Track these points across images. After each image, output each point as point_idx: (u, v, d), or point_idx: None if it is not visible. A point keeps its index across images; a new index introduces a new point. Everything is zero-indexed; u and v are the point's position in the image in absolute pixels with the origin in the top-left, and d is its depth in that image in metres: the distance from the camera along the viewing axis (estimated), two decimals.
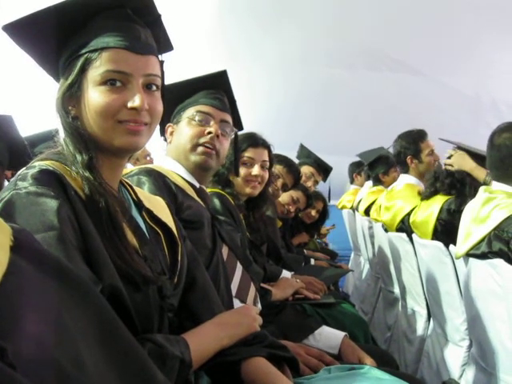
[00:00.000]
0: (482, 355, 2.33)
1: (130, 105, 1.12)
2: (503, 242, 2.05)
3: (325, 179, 4.51)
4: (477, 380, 2.38)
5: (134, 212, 1.26)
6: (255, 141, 2.40)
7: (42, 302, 0.62)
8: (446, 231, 2.87)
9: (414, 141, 3.52)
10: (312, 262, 3.76)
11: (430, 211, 2.99)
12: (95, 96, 1.11)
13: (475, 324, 2.33)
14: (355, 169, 5.88)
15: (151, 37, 1.21)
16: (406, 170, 3.60)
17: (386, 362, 1.88)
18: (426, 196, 3.10)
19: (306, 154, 4.47)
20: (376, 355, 1.84)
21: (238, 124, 2.05)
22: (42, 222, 0.95)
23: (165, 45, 1.32)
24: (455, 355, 2.65)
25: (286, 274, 2.68)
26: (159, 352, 1.03)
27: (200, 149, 1.80)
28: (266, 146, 2.45)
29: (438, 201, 2.97)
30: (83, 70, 1.12)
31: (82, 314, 0.71)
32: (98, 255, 1.00)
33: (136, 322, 1.04)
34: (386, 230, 3.67)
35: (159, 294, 1.17)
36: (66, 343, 0.62)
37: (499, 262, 2.00)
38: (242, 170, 2.34)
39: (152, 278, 1.12)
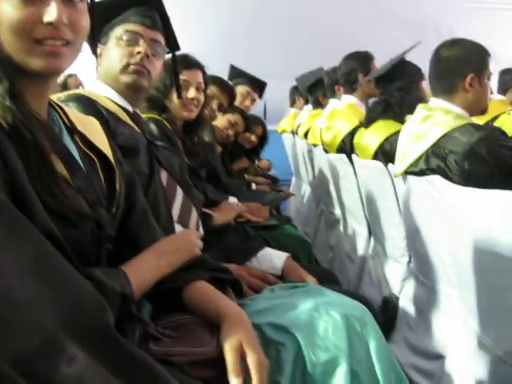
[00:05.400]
0: (421, 270, 2.40)
1: (45, 19, 0.98)
2: (440, 158, 2.07)
3: (261, 95, 4.46)
4: (416, 293, 2.46)
5: (66, 138, 1.16)
6: (189, 62, 2.30)
7: None
8: (385, 156, 2.88)
9: (363, 60, 3.51)
10: (253, 186, 3.76)
11: (373, 138, 2.97)
12: (7, 10, 0.97)
13: (414, 240, 2.39)
14: (296, 91, 5.83)
15: None
16: (351, 91, 3.59)
17: (328, 281, 1.91)
18: (366, 124, 3.09)
19: (238, 74, 4.38)
20: (319, 274, 1.86)
21: (173, 43, 1.95)
22: None
23: None
24: (395, 271, 2.73)
25: (231, 200, 2.67)
26: (99, 289, 0.98)
27: (131, 68, 1.71)
28: (199, 67, 2.35)
29: (384, 129, 2.95)
30: None
31: (14, 249, 0.69)
32: (26, 194, 0.90)
33: (73, 259, 0.98)
34: (327, 151, 3.68)
35: (97, 227, 1.10)
36: None
37: (436, 178, 2.02)
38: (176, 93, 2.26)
39: (87, 213, 1.06)
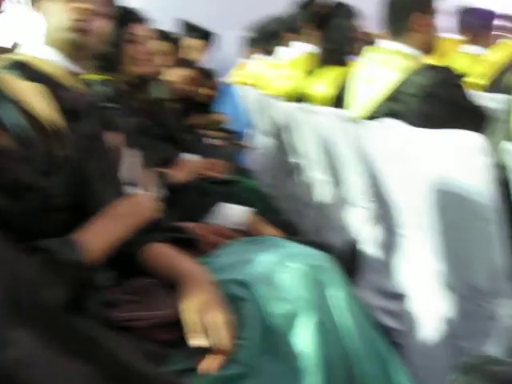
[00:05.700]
0: (382, 214, 2.41)
1: None
2: (397, 101, 2.07)
3: (210, 47, 4.41)
4: (378, 237, 2.48)
5: (7, 107, 1.11)
6: (135, 16, 2.23)
7: None
8: (337, 102, 2.85)
9: (304, 6, 3.45)
10: (209, 141, 3.71)
11: (320, 86, 2.94)
12: None
13: (374, 185, 2.39)
14: (247, 41, 5.74)
15: None
16: (299, 38, 3.54)
17: (290, 231, 1.90)
18: (311, 72, 3.07)
19: (186, 27, 4.33)
20: (280, 225, 1.86)
21: None
22: None
23: None
24: (356, 216, 2.74)
25: (188, 156, 2.62)
26: (50, 259, 0.95)
27: (74, 24, 1.62)
28: (145, 21, 2.28)
29: (328, 76, 2.92)
30: None
31: None
32: None
33: (20, 231, 0.94)
34: (281, 100, 3.65)
35: (45, 196, 1.07)
36: None
37: (393, 122, 2.01)
38: (126, 49, 2.19)
39: (34, 184, 1.03)
